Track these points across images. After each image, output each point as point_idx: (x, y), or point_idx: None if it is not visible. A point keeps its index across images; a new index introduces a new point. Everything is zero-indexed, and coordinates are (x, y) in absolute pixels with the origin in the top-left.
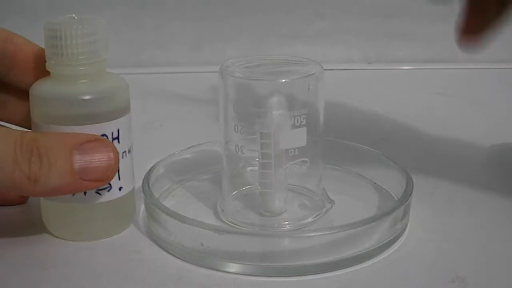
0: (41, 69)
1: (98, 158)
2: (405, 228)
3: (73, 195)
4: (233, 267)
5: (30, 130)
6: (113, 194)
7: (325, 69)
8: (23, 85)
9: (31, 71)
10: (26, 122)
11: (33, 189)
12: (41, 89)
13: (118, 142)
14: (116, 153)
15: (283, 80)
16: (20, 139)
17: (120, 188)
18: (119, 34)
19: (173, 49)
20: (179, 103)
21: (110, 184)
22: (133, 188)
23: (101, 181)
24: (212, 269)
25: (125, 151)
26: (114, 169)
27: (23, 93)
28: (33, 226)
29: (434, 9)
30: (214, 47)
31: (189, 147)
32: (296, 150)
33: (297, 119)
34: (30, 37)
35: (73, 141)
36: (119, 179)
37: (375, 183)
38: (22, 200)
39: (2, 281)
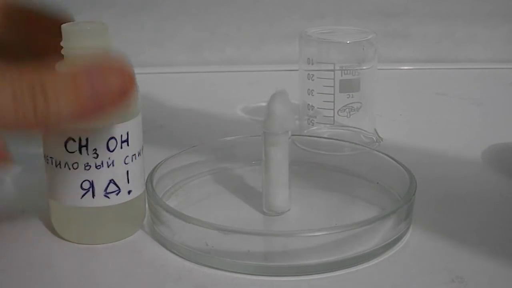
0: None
1: (108, 79)
2: (408, 227)
3: (81, 198)
4: (238, 266)
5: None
6: (122, 198)
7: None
8: None
9: None
10: None
11: (43, 126)
12: None
13: (127, 145)
14: (129, 68)
15: None
16: (19, 77)
17: (129, 192)
18: (119, 34)
19: (173, 49)
20: (179, 103)
21: (119, 187)
22: (144, 191)
23: (115, 102)
24: (216, 268)
25: (134, 154)
26: (129, 84)
27: None
28: (34, 227)
29: (434, 9)
30: (214, 47)
31: (192, 147)
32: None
33: None
34: None
35: (79, 66)
36: (128, 182)
37: (377, 183)
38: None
39: (2, 281)
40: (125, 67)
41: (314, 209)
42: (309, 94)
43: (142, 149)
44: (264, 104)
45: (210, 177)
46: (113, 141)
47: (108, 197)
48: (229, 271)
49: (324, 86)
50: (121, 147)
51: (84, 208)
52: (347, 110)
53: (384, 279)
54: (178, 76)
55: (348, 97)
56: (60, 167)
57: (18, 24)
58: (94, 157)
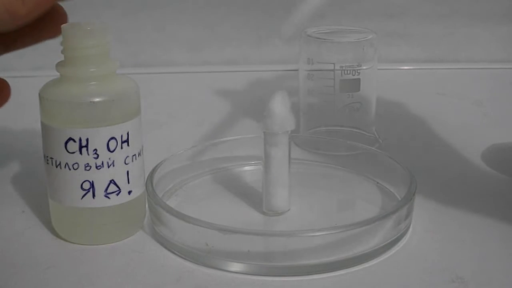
0: None
1: None
2: (408, 228)
3: (81, 198)
4: (238, 266)
5: None
6: (123, 198)
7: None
8: None
9: None
10: None
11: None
12: (50, 91)
13: (128, 145)
14: None
15: None
16: None
17: (129, 192)
18: (119, 34)
19: (173, 49)
20: (179, 103)
21: (119, 187)
22: (144, 191)
23: None
24: (216, 268)
25: (134, 155)
26: None
27: None
28: (33, 227)
29: (434, 9)
30: (213, 47)
31: (192, 147)
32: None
33: None
34: None
35: None
36: (128, 182)
37: (378, 183)
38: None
39: (2, 281)
40: None
41: (314, 209)
42: (309, 94)
43: (142, 149)
44: (264, 104)
45: (210, 177)
46: (113, 141)
47: (108, 198)
48: (229, 271)
49: (324, 86)
50: (122, 147)
51: (85, 208)
52: (347, 110)
53: (384, 279)
54: (178, 76)
55: (348, 97)
56: (60, 168)
57: None
58: (94, 158)
